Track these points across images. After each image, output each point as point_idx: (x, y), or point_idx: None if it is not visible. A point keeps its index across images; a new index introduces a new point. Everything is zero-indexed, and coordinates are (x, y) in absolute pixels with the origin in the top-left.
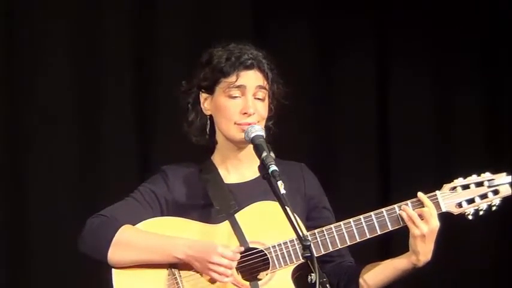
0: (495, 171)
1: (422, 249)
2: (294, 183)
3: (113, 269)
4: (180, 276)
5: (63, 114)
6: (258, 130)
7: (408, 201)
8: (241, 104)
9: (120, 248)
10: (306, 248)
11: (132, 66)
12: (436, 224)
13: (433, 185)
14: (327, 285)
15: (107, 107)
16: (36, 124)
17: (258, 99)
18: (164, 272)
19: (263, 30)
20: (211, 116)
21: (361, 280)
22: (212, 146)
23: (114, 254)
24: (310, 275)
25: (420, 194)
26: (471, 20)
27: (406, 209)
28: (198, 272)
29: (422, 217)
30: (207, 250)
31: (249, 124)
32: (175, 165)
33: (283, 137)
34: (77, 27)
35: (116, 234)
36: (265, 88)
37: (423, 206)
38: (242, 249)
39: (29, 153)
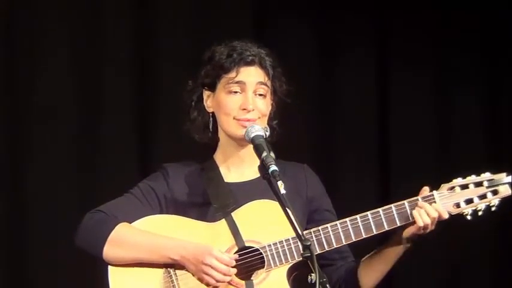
0: (495, 171)
1: (419, 238)
2: (295, 185)
3: (109, 267)
4: (176, 275)
5: (64, 114)
6: (258, 130)
7: (405, 201)
8: (241, 99)
9: (115, 246)
10: (306, 247)
11: (132, 66)
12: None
13: (433, 184)
14: (327, 285)
15: (107, 106)
16: (36, 124)
17: (259, 95)
18: (160, 270)
19: (263, 30)
20: (213, 114)
21: (360, 279)
22: (214, 144)
23: (109, 251)
24: (310, 275)
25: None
26: (471, 20)
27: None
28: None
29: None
30: (201, 251)
31: (248, 120)
32: (177, 164)
33: (283, 136)
34: (77, 28)
35: (112, 232)
36: (266, 84)
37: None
38: (236, 256)
39: (29, 153)
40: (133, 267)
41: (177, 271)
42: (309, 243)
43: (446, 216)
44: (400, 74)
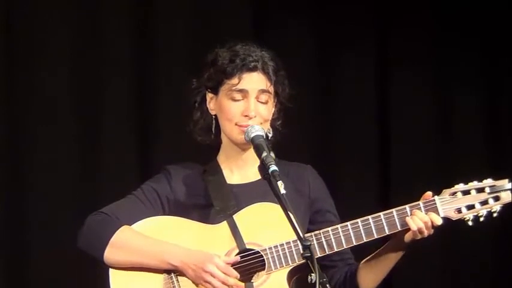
0: (495, 171)
1: (418, 241)
2: (298, 185)
3: (110, 269)
4: (177, 278)
5: (64, 115)
6: (258, 130)
7: (406, 206)
8: (243, 106)
9: (116, 249)
10: (306, 248)
11: (132, 66)
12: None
13: (433, 183)
14: (327, 285)
15: (107, 106)
16: (36, 125)
17: (261, 102)
18: (161, 274)
19: (263, 30)
20: (216, 116)
21: (360, 281)
22: (217, 145)
23: (110, 254)
24: (310, 275)
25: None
26: (471, 20)
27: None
28: None
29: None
30: (203, 259)
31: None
32: (179, 165)
33: (283, 138)
34: (77, 28)
35: (115, 235)
36: (268, 91)
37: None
38: (238, 258)
39: (30, 154)
40: (135, 270)
41: (178, 275)
42: (308, 243)
43: (439, 222)
44: (400, 74)
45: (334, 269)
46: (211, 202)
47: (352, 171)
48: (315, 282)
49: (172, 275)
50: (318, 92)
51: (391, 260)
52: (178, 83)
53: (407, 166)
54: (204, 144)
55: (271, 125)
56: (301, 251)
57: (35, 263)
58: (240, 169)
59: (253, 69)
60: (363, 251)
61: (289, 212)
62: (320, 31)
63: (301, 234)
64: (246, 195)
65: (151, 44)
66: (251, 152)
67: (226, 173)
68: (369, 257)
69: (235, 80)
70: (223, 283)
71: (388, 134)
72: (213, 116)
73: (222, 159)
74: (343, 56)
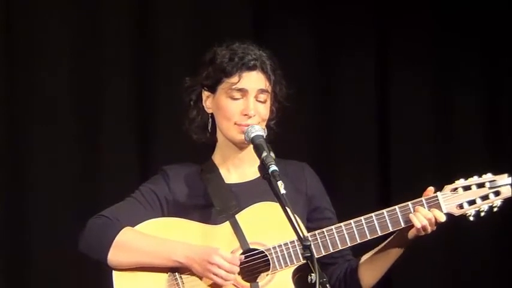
0: (495, 170)
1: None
2: (295, 183)
3: (114, 271)
4: (181, 277)
5: (64, 115)
6: (258, 130)
7: (409, 203)
8: (242, 105)
9: (120, 251)
10: (306, 248)
11: (132, 67)
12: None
13: (433, 184)
14: (327, 285)
15: (107, 107)
16: (36, 125)
17: (260, 101)
18: (165, 274)
19: (263, 30)
20: (212, 114)
21: (360, 277)
22: (213, 144)
23: (114, 256)
24: (310, 275)
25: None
26: (471, 20)
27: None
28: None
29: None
30: (207, 252)
31: (249, 125)
32: (176, 166)
33: (282, 137)
34: (77, 28)
35: (117, 237)
36: (267, 91)
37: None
38: (242, 257)
39: (30, 154)
40: (138, 271)
41: (182, 274)
42: (308, 243)
43: (443, 219)
44: (400, 74)
45: (334, 265)
46: (211, 202)
47: (352, 171)
48: (315, 282)
49: (176, 274)
50: (318, 92)
51: (392, 256)
52: (178, 83)
53: (407, 166)
54: (200, 142)
55: (266, 124)
56: (302, 251)
57: (35, 263)
58: (237, 168)
59: (253, 68)
60: (363, 248)
61: (289, 212)
62: (320, 31)
63: (301, 234)
64: (245, 194)
65: (151, 44)
66: (248, 151)
67: (223, 172)
68: (369, 253)
69: (234, 79)
70: (229, 272)
71: (388, 134)
72: (210, 115)
73: (217, 158)
74: (343, 56)
